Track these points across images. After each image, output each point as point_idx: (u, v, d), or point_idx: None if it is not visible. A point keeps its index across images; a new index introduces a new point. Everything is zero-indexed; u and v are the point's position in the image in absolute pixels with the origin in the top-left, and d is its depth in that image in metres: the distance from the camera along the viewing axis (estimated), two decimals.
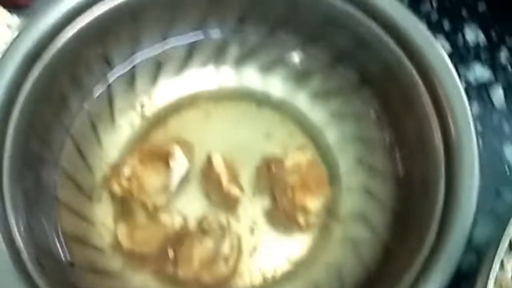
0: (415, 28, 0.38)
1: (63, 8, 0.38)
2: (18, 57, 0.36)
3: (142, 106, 0.44)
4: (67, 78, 0.40)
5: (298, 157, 0.41)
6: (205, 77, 0.45)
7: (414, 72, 0.38)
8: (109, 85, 0.43)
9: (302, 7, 0.41)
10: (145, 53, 0.43)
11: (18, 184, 0.35)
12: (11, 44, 0.37)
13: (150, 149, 0.41)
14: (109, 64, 0.43)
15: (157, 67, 0.44)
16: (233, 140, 0.43)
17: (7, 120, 0.36)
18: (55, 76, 0.38)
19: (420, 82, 0.38)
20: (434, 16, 0.49)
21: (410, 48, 0.38)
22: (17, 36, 0.37)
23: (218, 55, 0.45)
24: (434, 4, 0.50)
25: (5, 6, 0.50)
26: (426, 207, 0.36)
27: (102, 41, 0.41)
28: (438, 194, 0.36)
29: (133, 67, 0.43)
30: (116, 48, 0.42)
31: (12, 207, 0.34)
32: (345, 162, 0.43)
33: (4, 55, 0.36)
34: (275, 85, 0.45)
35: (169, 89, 0.44)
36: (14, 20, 0.50)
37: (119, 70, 0.43)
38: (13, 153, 0.35)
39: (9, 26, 0.50)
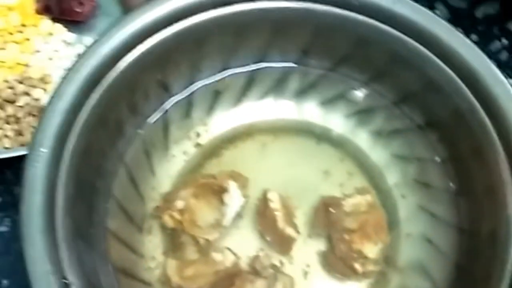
0: (491, 74, 0.37)
1: (125, 33, 0.37)
2: (78, 81, 0.35)
3: (197, 135, 0.42)
4: (125, 104, 0.39)
5: (357, 199, 0.40)
6: (263, 108, 0.43)
7: (487, 120, 0.37)
8: (165, 112, 0.42)
9: (369, 43, 0.40)
10: (204, 81, 0.42)
11: (70, 214, 0.34)
12: (72, 67, 0.36)
13: (205, 182, 0.40)
14: (167, 91, 0.41)
15: (215, 96, 0.43)
16: (290, 176, 0.42)
17: (63, 145, 0.35)
18: (113, 101, 0.37)
19: (492, 130, 0.36)
20: (504, 56, 0.47)
21: (484, 95, 0.37)
22: (78, 60, 0.36)
23: (278, 86, 0.43)
24: (504, 43, 0.48)
25: (62, 22, 0.50)
26: (495, 264, 0.34)
27: (162, 68, 0.40)
28: (509, 252, 0.34)
29: (191, 94, 0.42)
30: (175, 75, 0.41)
31: (64, 238, 0.33)
32: (405, 207, 0.41)
33: (64, 78, 0.35)
34: (336, 121, 0.43)
35: (226, 119, 0.43)
36: (70, 36, 0.50)
37: (177, 97, 0.42)
38: (67, 180, 0.34)
39: (65, 42, 0.49)
